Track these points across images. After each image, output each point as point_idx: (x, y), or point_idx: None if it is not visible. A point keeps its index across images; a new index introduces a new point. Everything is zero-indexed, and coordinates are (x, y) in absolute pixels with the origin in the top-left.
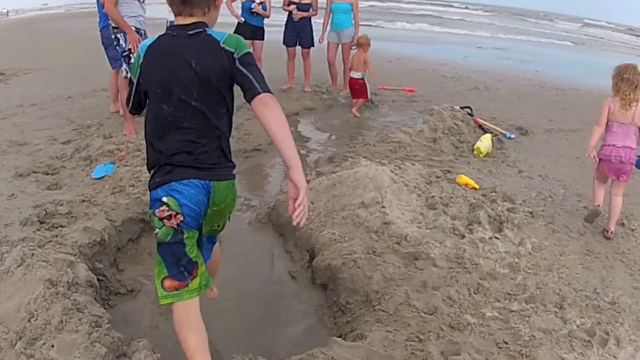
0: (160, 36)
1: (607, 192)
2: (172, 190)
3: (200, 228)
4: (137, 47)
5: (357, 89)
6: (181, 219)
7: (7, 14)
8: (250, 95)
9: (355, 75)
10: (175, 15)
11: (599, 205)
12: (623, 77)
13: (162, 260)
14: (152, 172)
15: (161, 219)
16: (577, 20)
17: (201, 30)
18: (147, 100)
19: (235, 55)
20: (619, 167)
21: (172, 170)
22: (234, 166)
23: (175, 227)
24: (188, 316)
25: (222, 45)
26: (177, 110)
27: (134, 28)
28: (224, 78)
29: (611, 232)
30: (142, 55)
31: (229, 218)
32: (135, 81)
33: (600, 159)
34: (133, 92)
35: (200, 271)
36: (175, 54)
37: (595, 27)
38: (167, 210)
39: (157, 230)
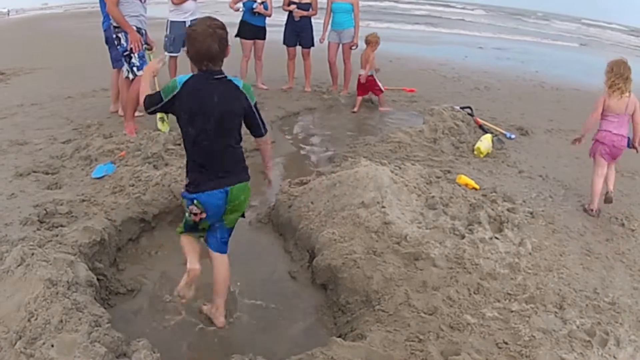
0: (194, 75)
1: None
2: (200, 198)
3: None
4: (138, 46)
5: (363, 84)
6: (204, 216)
7: (8, 14)
8: (256, 134)
9: (362, 72)
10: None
11: (593, 210)
12: (615, 71)
13: (184, 225)
14: (187, 177)
15: (190, 213)
16: (574, 20)
17: (223, 76)
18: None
19: (250, 101)
20: (614, 151)
21: (200, 183)
22: (246, 168)
23: (197, 220)
24: (189, 242)
25: (241, 89)
26: (200, 134)
27: (135, 28)
28: (240, 111)
29: (611, 192)
30: (178, 86)
31: (243, 215)
32: (164, 100)
33: (596, 141)
34: (159, 105)
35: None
36: (204, 90)
37: (594, 27)
38: (196, 210)
39: (186, 215)
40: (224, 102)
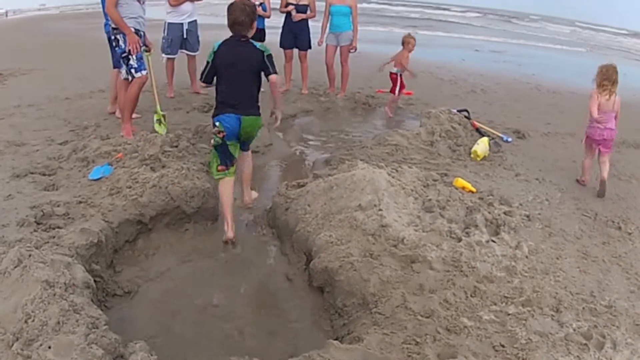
0: (225, 40)
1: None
2: (221, 119)
3: (239, 138)
4: (136, 48)
5: (394, 78)
6: (224, 134)
7: (6, 14)
8: (267, 74)
9: (393, 70)
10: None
11: (584, 181)
12: (605, 74)
13: (217, 155)
14: (214, 110)
15: (215, 134)
16: (568, 22)
17: (247, 39)
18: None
19: (264, 54)
20: (603, 143)
21: (223, 109)
22: (258, 108)
23: (221, 137)
24: (225, 187)
25: (258, 48)
26: (228, 78)
27: (133, 29)
28: (257, 64)
29: (603, 179)
30: (216, 47)
31: (256, 134)
32: (210, 62)
33: (587, 137)
34: (208, 69)
35: (234, 165)
36: (233, 50)
37: (588, 29)
38: (216, 129)
39: (214, 137)
40: (246, 57)
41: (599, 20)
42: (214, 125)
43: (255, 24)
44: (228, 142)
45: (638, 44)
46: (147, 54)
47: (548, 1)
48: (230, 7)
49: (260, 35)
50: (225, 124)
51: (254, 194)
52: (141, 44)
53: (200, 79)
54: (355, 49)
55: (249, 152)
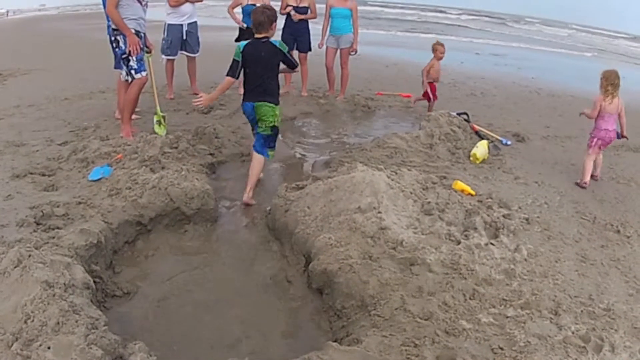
0: (250, 41)
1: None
2: (242, 105)
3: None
4: (136, 50)
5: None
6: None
7: (7, 14)
8: (291, 67)
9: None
10: (255, 33)
11: (586, 183)
12: (609, 80)
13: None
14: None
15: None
16: (564, 25)
17: (267, 40)
18: (242, 71)
19: (283, 51)
20: (607, 143)
21: (245, 98)
22: (274, 96)
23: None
24: (254, 160)
25: (278, 47)
26: (252, 72)
27: (133, 31)
28: (276, 60)
29: (598, 177)
30: (242, 47)
31: (272, 128)
32: (238, 60)
33: (596, 138)
34: (236, 65)
35: (269, 148)
36: (257, 49)
37: (585, 32)
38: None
39: None
40: (268, 55)
41: (596, 23)
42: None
43: (275, 25)
44: (253, 128)
45: (633, 46)
46: (148, 55)
47: (545, 4)
48: (253, 10)
49: None
50: (244, 109)
51: (251, 201)
52: (141, 46)
53: (227, 74)
54: (356, 51)
55: (260, 157)
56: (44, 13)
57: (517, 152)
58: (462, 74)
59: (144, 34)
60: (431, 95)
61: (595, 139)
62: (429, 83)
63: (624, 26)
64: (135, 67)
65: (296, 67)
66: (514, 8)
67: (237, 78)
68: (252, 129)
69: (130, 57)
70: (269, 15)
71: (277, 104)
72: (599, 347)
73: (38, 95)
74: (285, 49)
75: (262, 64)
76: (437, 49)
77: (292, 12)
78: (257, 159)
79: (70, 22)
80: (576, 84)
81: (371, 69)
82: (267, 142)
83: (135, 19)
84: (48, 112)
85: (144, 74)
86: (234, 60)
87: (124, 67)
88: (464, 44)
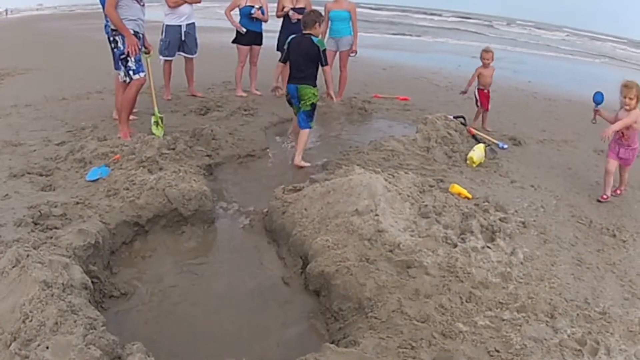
0: (296, 35)
1: None
2: (287, 87)
3: (299, 101)
4: (134, 51)
5: (485, 95)
6: (289, 96)
7: (6, 13)
8: (322, 64)
9: (489, 88)
10: (303, 30)
11: (607, 197)
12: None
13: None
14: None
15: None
16: (556, 28)
17: (309, 36)
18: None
19: (320, 48)
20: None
21: (289, 81)
22: (312, 80)
23: (289, 100)
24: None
25: (316, 43)
26: (293, 60)
27: (132, 31)
28: (313, 53)
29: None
30: (290, 39)
31: (311, 105)
32: (286, 49)
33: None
34: (284, 54)
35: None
36: (299, 42)
37: (581, 36)
38: (286, 94)
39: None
40: (306, 47)
41: (593, 28)
42: (286, 91)
43: (318, 25)
44: (292, 104)
45: (629, 50)
46: (147, 55)
47: (539, 7)
48: (306, 13)
49: (260, 38)
50: (288, 90)
51: (303, 162)
52: (140, 46)
53: (279, 60)
54: (356, 52)
55: (305, 130)
56: (42, 12)
57: (513, 156)
58: (459, 78)
59: (143, 34)
60: (479, 102)
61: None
62: (479, 90)
63: (618, 30)
64: (134, 67)
65: (324, 65)
66: (509, 11)
67: (284, 63)
68: (293, 110)
69: (128, 58)
70: (314, 17)
71: (314, 86)
72: (594, 351)
73: (35, 95)
74: (322, 46)
75: (302, 55)
76: (482, 56)
77: (291, 13)
78: (303, 132)
79: (68, 21)
80: (572, 88)
81: (368, 71)
82: (308, 116)
83: (134, 20)
84: (45, 112)
85: (142, 74)
86: (282, 49)
87: (122, 68)
88: (459, 47)
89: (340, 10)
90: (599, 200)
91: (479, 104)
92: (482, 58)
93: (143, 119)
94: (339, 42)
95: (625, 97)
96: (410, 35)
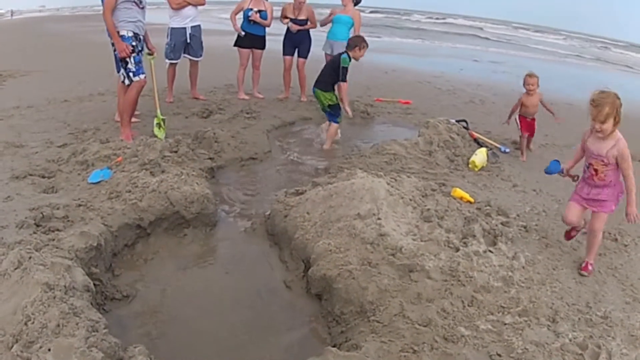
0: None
1: None
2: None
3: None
4: (125, 55)
5: (530, 123)
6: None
7: (12, 15)
8: (339, 79)
9: (534, 116)
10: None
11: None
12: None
13: None
14: None
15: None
16: (555, 31)
17: (343, 53)
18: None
19: (342, 65)
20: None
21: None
22: (329, 87)
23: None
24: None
25: (342, 59)
26: (323, 70)
27: (131, 33)
28: (337, 68)
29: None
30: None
31: (328, 106)
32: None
33: None
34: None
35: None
36: (334, 57)
37: (580, 40)
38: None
39: None
40: (334, 61)
41: (592, 31)
42: None
43: (357, 49)
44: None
45: (629, 54)
46: (150, 57)
47: (541, 11)
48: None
49: (261, 42)
50: (312, 91)
51: (330, 147)
52: (131, 50)
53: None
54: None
55: (333, 124)
56: (44, 14)
57: (515, 160)
58: (461, 81)
59: (142, 37)
60: (519, 129)
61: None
62: (520, 117)
63: (623, 35)
64: (134, 69)
65: (341, 81)
66: (509, 15)
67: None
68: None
69: (128, 60)
70: (357, 42)
71: (327, 90)
72: (596, 355)
73: (37, 97)
74: (345, 63)
75: (329, 65)
76: (525, 81)
77: (290, 25)
78: (332, 126)
79: (70, 23)
80: (574, 93)
81: (370, 75)
82: (332, 114)
83: (133, 22)
84: (47, 114)
85: (142, 76)
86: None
87: (122, 70)
88: (462, 51)
89: (344, 15)
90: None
91: (521, 132)
92: (525, 84)
93: (145, 121)
94: (333, 46)
95: (594, 120)
96: (413, 38)
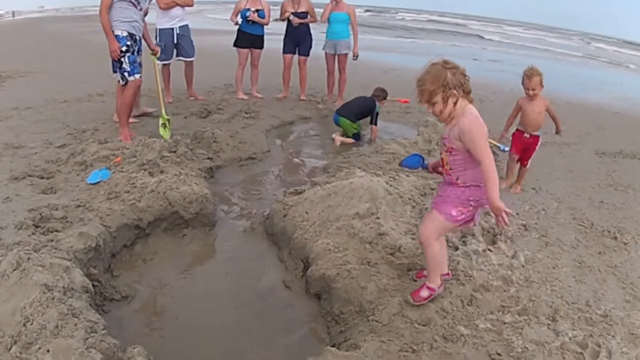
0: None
1: None
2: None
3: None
4: (115, 57)
5: (527, 140)
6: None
7: (13, 15)
8: (371, 122)
9: (535, 133)
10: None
11: None
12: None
13: None
14: None
15: None
16: (553, 29)
17: (375, 100)
18: None
19: (374, 111)
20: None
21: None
22: (355, 119)
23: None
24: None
25: (376, 104)
26: (352, 104)
27: (126, 33)
28: (370, 110)
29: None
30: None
31: (353, 135)
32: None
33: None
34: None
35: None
36: (365, 98)
37: (581, 39)
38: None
39: None
40: (367, 104)
41: (594, 30)
42: None
43: (383, 101)
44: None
45: (621, 52)
46: (153, 57)
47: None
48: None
49: (260, 41)
50: (334, 117)
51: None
52: (124, 50)
53: None
54: (357, 56)
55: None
56: (43, 15)
57: None
58: None
59: (139, 37)
60: (512, 151)
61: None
62: (516, 133)
63: (621, 33)
64: (128, 69)
65: (373, 124)
66: (506, 14)
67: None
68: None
69: (122, 59)
70: (384, 95)
71: (353, 121)
72: (596, 353)
73: (36, 98)
74: (378, 109)
75: (361, 102)
76: (523, 81)
77: (292, 17)
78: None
79: (69, 24)
80: (573, 91)
81: (369, 74)
82: (356, 137)
83: (128, 22)
84: (46, 115)
85: (137, 76)
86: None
87: (118, 70)
88: (461, 49)
89: (340, 12)
90: None
91: (511, 151)
92: (524, 85)
93: (144, 121)
94: (336, 45)
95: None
96: (412, 38)
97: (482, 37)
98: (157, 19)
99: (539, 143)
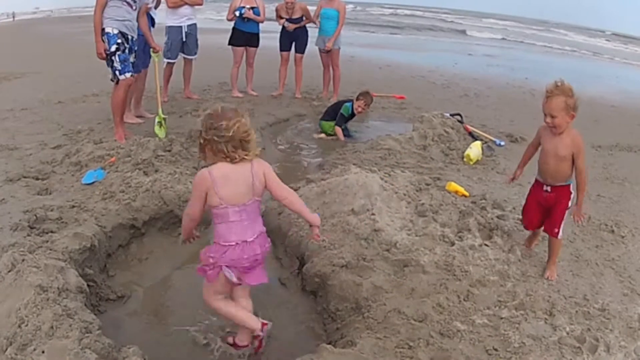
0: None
1: None
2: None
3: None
4: (101, 57)
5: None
6: None
7: (13, 17)
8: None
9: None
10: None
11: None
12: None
13: None
14: None
15: None
16: (551, 25)
17: (348, 101)
18: None
19: (341, 110)
20: None
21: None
22: (329, 118)
23: None
24: None
25: (343, 106)
26: (328, 112)
27: (117, 31)
28: (337, 110)
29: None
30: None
31: (332, 132)
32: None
33: None
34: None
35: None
36: (341, 102)
37: (577, 33)
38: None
39: None
40: (339, 105)
41: (589, 24)
42: None
43: (359, 102)
44: None
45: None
46: (154, 55)
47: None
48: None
49: (255, 40)
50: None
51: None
52: (108, 52)
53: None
54: (329, 50)
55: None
56: (37, 16)
57: (510, 153)
58: (456, 75)
59: (132, 37)
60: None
61: None
62: (535, 184)
63: (614, 26)
64: (119, 68)
65: (336, 124)
66: (502, 8)
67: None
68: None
69: (113, 58)
70: (365, 99)
71: (327, 121)
72: (594, 348)
73: (31, 99)
74: (345, 112)
75: (333, 107)
76: (543, 104)
77: (286, 24)
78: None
79: (64, 24)
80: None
81: (364, 70)
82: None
83: (121, 20)
84: (41, 116)
85: (127, 75)
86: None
87: (109, 68)
88: (456, 45)
89: (331, 8)
90: None
91: (523, 220)
92: (545, 110)
93: (140, 121)
94: (325, 40)
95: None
96: (407, 34)
97: (473, 34)
98: (166, 16)
99: (572, 196)
